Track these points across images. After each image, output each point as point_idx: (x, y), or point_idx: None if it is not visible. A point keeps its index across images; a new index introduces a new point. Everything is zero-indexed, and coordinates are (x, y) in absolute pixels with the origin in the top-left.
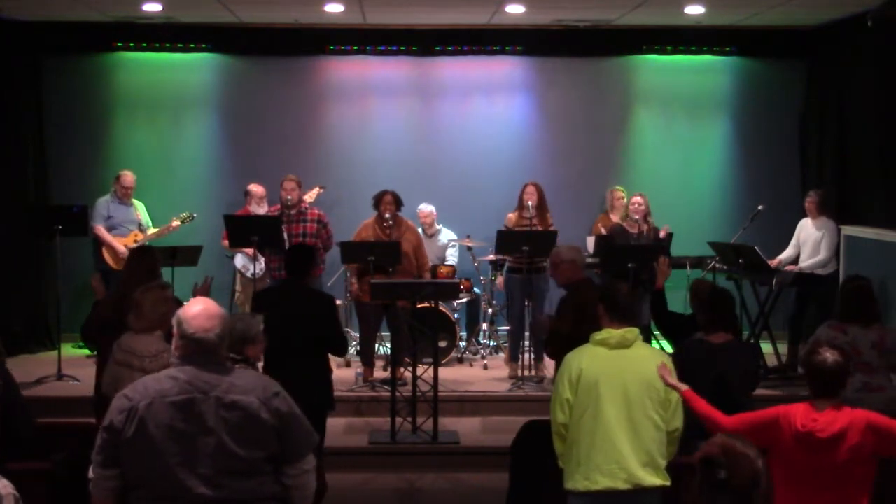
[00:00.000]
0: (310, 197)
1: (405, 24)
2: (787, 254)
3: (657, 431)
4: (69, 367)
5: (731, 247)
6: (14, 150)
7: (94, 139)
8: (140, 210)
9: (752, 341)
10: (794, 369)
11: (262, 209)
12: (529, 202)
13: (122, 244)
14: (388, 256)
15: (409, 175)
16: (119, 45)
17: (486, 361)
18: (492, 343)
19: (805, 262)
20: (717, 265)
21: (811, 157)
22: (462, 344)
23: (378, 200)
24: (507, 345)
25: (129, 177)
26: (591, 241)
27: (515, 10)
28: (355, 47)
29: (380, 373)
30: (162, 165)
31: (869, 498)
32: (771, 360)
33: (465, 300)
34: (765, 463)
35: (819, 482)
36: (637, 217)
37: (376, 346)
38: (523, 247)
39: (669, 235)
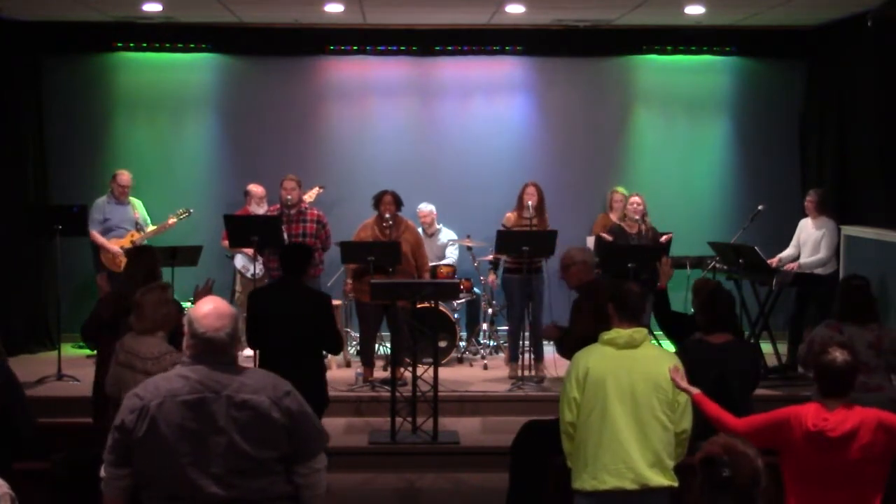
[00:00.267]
0: (309, 197)
1: (405, 24)
2: (787, 252)
3: (665, 432)
4: (69, 367)
5: (731, 247)
6: (14, 150)
7: (94, 139)
8: (138, 208)
9: (752, 341)
10: (794, 369)
11: (261, 209)
12: (529, 202)
13: (118, 246)
14: (388, 256)
15: (409, 175)
16: (119, 45)
17: (486, 361)
18: (492, 343)
19: (805, 262)
20: (717, 265)
21: (811, 157)
22: (462, 344)
23: (378, 200)
24: (507, 345)
25: (125, 176)
26: (590, 241)
27: (515, 10)
28: (355, 47)
29: (380, 373)
30: (162, 165)
31: (882, 497)
32: (771, 360)
33: (465, 300)
34: (764, 462)
35: (831, 482)
36: (636, 217)
37: (376, 346)
38: (523, 247)
39: (669, 240)
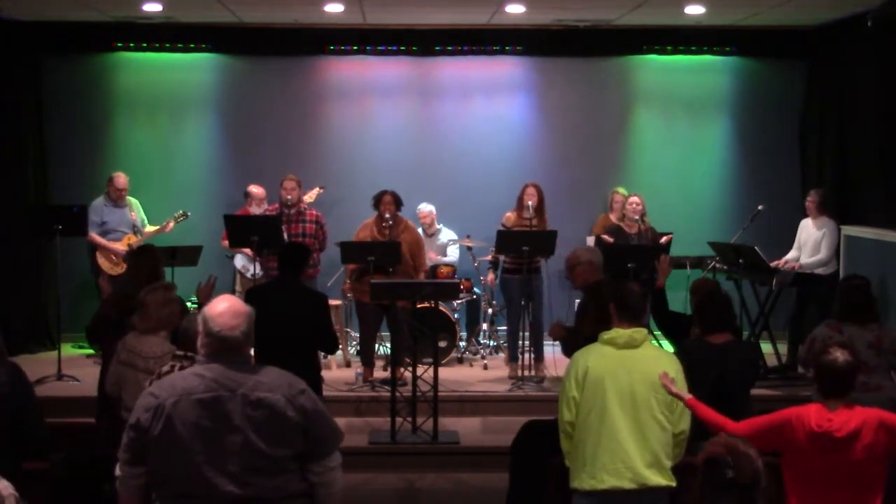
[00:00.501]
0: (310, 197)
1: (405, 24)
2: (791, 255)
3: (663, 432)
4: (69, 367)
5: (731, 247)
6: (14, 150)
7: (94, 139)
8: (135, 209)
9: (751, 341)
10: (794, 369)
11: (261, 211)
12: (529, 203)
13: (115, 249)
14: (389, 256)
15: (409, 175)
16: (119, 45)
17: (486, 361)
18: (492, 343)
19: (805, 262)
20: (717, 265)
21: (811, 157)
22: (462, 344)
23: (377, 200)
24: (506, 345)
25: (121, 178)
26: (590, 242)
27: (515, 10)
28: (355, 47)
29: (380, 373)
30: (162, 165)
31: (882, 498)
32: (771, 360)
33: (465, 300)
34: (764, 463)
35: (834, 482)
36: (636, 217)
37: (376, 346)
38: (523, 247)
39: (669, 241)
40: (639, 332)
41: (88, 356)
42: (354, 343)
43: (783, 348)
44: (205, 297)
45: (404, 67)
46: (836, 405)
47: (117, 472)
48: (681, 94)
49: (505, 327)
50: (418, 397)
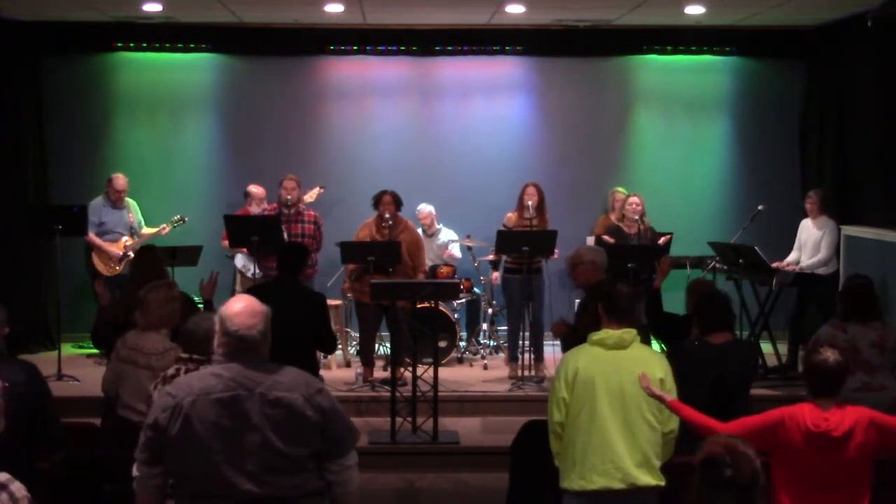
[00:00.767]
0: (310, 197)
1: (405, 24)
2: (792, 256)
3: (652, 432)
4: (69, 367)
5: (731, 247)
6: (14, 150)
7: (94, 139)
8: (133, 210)
9: (751, 341)
10: (794, 369)
11: (260, 211)
12: (530, 202)
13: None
14: (388, 256)
15: (409, 175)
16: (119, 45)
17: (486, 361)
18: (492, 343)
19: (805, 262)
20: (717, 265)
21: (811, 157)
22: (462, 344)
23: (377, 200)
24: (507, 345)
25: (121, 179)
26: (590, 242)
27: (515, 10)
28: (355, 47)
29: (380, 373)
30: (162, 165)
31: (869, 498)
32: (771, 360)
33: (465, 300)
34: (762, 462)
35: (828, 482)
36: (635, 217)
37: (376, 346)
38: (523, 247)
39: (669, 241)
40: (628, 333)
41: (88, 356)
42: (354, 343)
43: (783, 348)
44: (208, 293)
45: (404, 67)
46: (828, 405)
47: (134, 472)
48: (681, 94)
49: (505, 327)
50: (418, 397)
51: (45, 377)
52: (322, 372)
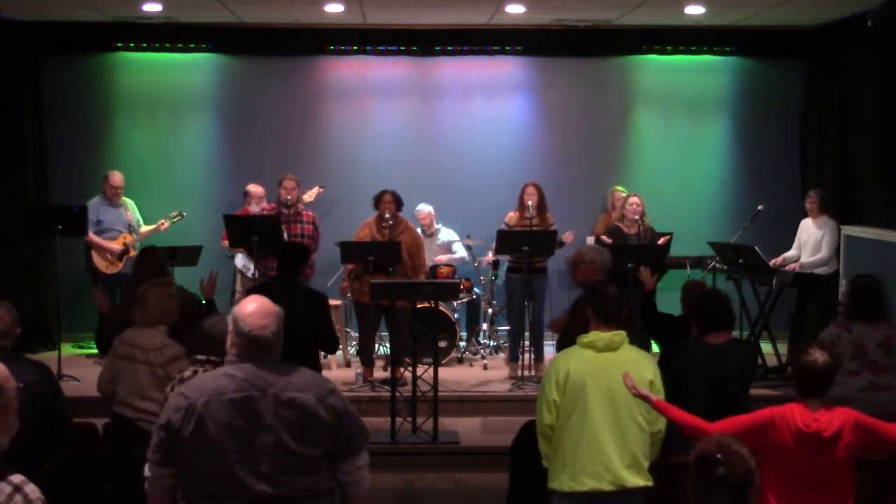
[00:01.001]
0: (309, 196)
1: (405, 24)
2: (791, 253)
3: (641, 433)
4: (69, 367)
5: (731, 247)
6: (14, 150)
7: (94, 139)
8: (131, 209)
9: (751, 341)
10: None
11: (259, 210)
12: (530, 202)
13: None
14: (388, 256)
15: (409, 175)
16: (119, 45)
17: (486, 361)
18: (492, 343)
19: (806, 262)
20: (717, 265)
21: (811, 157)
22: (462, 344)
23: (378, 200)
24: (507, 345)
25: (117, 177)
26: (590, 241)
27: (515, 10)
28: (355, 47)
29: (380, 373)
30: (161, 165)
31: (853, 499)
32: (771, 360)
33: (465, 300)
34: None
35: (816, 482)
36: (635, 217)
37: (376, 346)
38: (523, 247)
39: (669, 241)
40: (618, 335)
41: (88, 356)
42: (354, 343)
43: (783, 348)
44: (209, 292)
45: (404, 67)
46: (816, 405)
47: (146, 472)
48: (681, 94)
49: (505, 327)
50: (418, 397)
51: None
52: (322, 372)
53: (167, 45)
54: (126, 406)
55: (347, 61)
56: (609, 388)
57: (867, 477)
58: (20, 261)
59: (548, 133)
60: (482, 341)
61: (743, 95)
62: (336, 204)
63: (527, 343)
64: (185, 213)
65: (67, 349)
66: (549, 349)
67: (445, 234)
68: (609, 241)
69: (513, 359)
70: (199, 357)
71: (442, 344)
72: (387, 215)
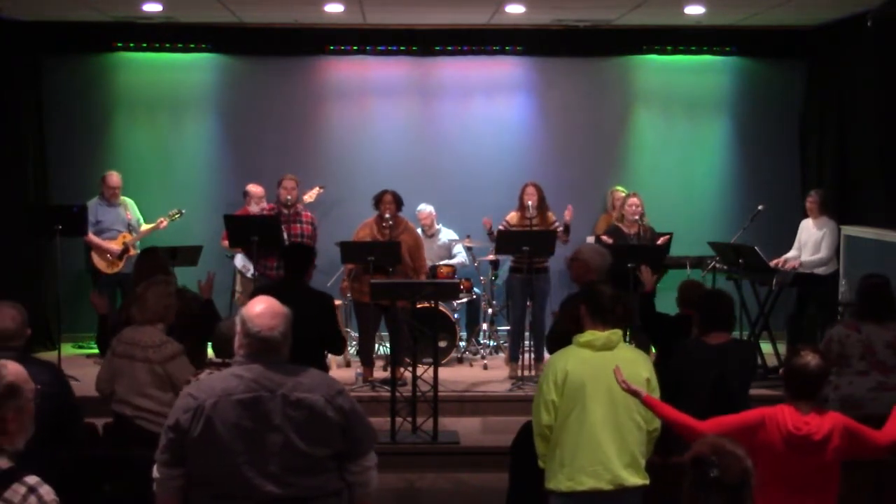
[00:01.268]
0: (310, 197)
1: (405, 24)
2: (791, 254)
3: (639, 432)
4: (69, 367)
5: (731, 247)
6: (14, 150)
7: (94, 139)
8: (130, 208)
9: (750, 341)
10: None
11: (259, 210)
12: (529, 202)
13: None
14: (388, 256)
15: (409, 175)
16: (119, 45)
17: (486, 361)
18: (492, 343)
19: (806, 261)
20: (717, 265)
21: (811, 157)
22: (462, 344)
23: (378, 200)
24: (507, 345)
25: (114, 177)
26: (590, 241)
27: (515, 10)
28: (355, 47)
29: (380, 373)
30: (161, 165)
31: (836, 501)
32: (771, 360)
33: (465, 300)
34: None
35: (803, 484)
36: (635, 218)
37: (376, 346)
38: (523, 247)
39: (669, 241)
40: (615, 334)
41: (88, 356)
42: (354, 343)
43: (783, 348)
44: (206, 293)
45: (404, 67)
46: (807, 408)
47: (155, 473)
48: (681, 94)
49: (505, 327)
50: (418, 397)
51: None
52: None
53: (167, 45)
54: (125, 404)
55: (347, 61)
56: (607, 387)
57: (867, 477)
58: (20, 261)
59: (548, 133)
60: (482, 341)
61: (743, 95)
62: (336, 204)
63: (527, 343)
64: (184, 212)
65: (67, 349)
66: None
67: (446, 234)
68: (609, 240)
69: (513, 359)
70: (215, 360)
71: (442, 344)
72: (387, 215)
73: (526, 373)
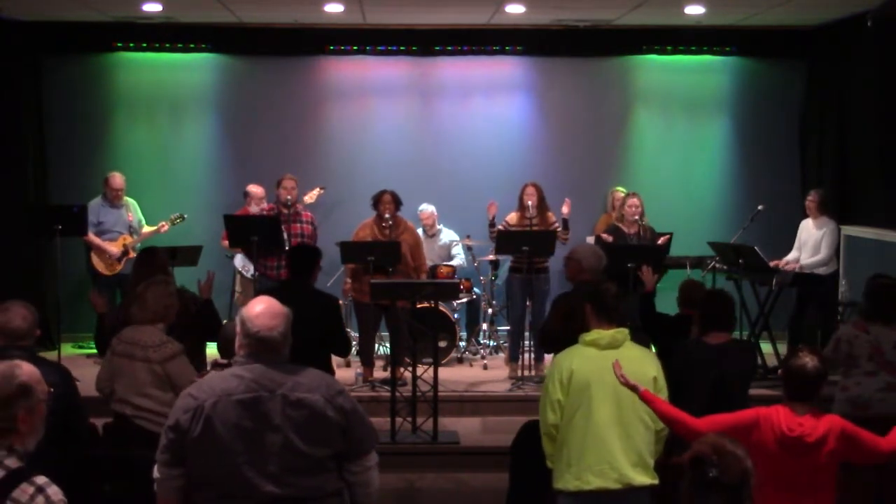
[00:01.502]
0: (310, 198)
1: (405, 24)
2: (792, 255)
3: (647, 431)
4: (69, 366)
5: (731, 247)
6: (14, 150)
7: (93, 139)
8: (132, 209)
9: (752, 341)
10: None
11: (259, 210)
12: (529, 202)
13: (111, 249)
14: (389, 256)
15: (409, 175)
16: (119, 45)
17: (486, 361)
18: (492, 343)
19: (806, 262)
20: (717, 265)
21: (811, 157)
22: (462, 344)
23: (377, 200)
24: (507, 345)
25: (118, 178)
26: (590, 241)
27: (515, 10)
28: (355, 47)
29: (380, 373)
30: (161, 165)
31: (834, 502)
32: (771, 360)
33: (465, 300)
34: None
35: (795, 484)
36: (635, 218)
37: (376, 346)
38: (523, 247)
39: (669, 241)
40: (620, 332)
41: (88, 356)
42: (354, 343)
43: (783, 348)
44: (206, 293)
45: (404, 67)
46: (803, 410)
47: (155, 473)
48: (681, 94)
49: (505, 327)
50: (418, 397)
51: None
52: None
53: (167, 45)
54: (124, 404)
55: (347, 61)
56: (613, 386)
57: (867, 477)
58: (20, 261)
59: (548, 133)
60: (482, 341)
61: (743, 95)
62: (336, 204)
63: (527, 343)
64: (186, 216)
65: (67, 349)
66: None
67: (447, 234)
68: (610, 238)
69: (513, 359)
70: (221, 361)
71: (442, 344)
72: (387, 215)
73: (526, 373)
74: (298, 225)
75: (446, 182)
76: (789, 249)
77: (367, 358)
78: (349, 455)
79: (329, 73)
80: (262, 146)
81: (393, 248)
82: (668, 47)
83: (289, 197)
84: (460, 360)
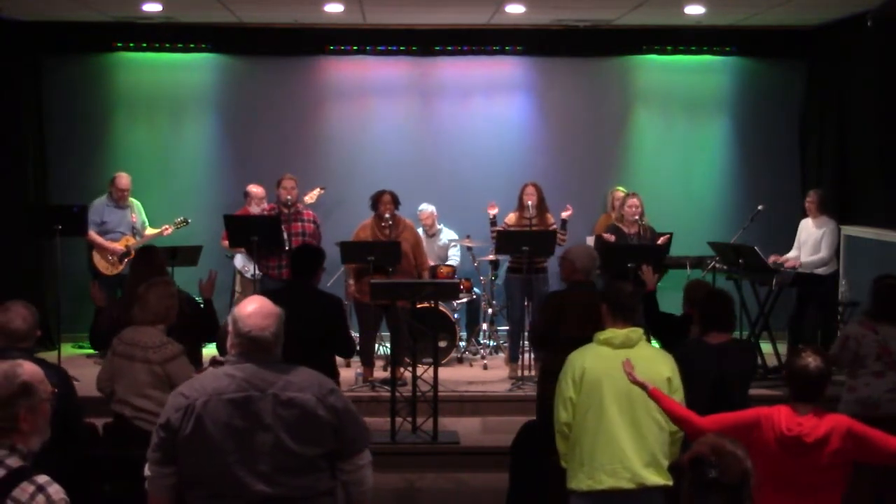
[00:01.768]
0: (310, 198)
1: (405, 24)
2: (792, 254)
3: (660, 431)
4: (69, 367)
5: (731, 247)
6: (14, 150)
7: (93, 139)
8: (136, 210)
9: (752, 341)
10: None
11: (260, 210)
12: (529, 202)
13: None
14: (389, 256)
15: (409, 175)
16: (119, 45)
17: (486, 361)
18: (492, 343)
19: (806, 261)
20: (717, 265)
21: (811, 157)
22: (462, 344)
23: (376, 200)
24: (507, 345)
25: (124, 179)
26: (590, 241)
27: (515, 10)
28: (355, 47)
29: (380, 373)
30: (161, 165)
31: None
32: (771, 360)
33: (465, 300)
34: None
35: (796, 485)
36: (635, 218)
37: (376, 346)
38: (523, 247)
39: (669, 241)
40: (634, 332)
41: (88, 356)
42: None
43: (783, 348)
44: (208, 293)
45: (404, 67)
46: (805, 410)
47: (146, 471)
48: (681, 94)
49: (505, 327)
50: (418, 397)
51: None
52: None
53: (167, 45)
54: (124, 404)
55: (347, 61)
56: (626, 385)
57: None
58: (20, 261)
59: (548, 133)
60: (482, 341)
61: (743, 95)
62: (336, 204)
63: (527, 343)
64: (189, 221)
65: (67, 349)
66: None
67: (447, 234)
68: (611, 237)
69: (513, 359)
70: (220, 359)
71: (442, 344)
72: (386, 215)
73: (526, 373)
74: (299, 224)
75: (446, 182)
76: (789, 249)
77: (367, 358)
78: (342, 454)
79: (329, 73)
80: (262, 146)
81: (393, 248)
82: (668, 47)
83: (289, 197)
84: (460, 360)
